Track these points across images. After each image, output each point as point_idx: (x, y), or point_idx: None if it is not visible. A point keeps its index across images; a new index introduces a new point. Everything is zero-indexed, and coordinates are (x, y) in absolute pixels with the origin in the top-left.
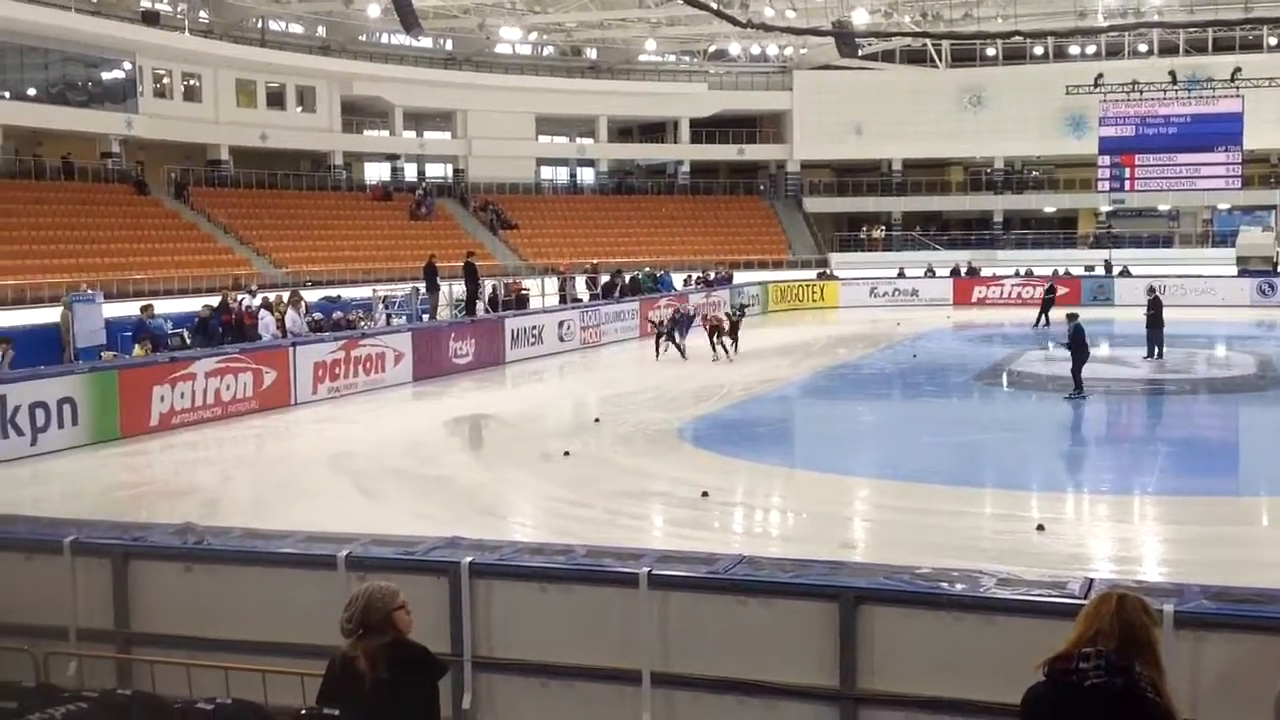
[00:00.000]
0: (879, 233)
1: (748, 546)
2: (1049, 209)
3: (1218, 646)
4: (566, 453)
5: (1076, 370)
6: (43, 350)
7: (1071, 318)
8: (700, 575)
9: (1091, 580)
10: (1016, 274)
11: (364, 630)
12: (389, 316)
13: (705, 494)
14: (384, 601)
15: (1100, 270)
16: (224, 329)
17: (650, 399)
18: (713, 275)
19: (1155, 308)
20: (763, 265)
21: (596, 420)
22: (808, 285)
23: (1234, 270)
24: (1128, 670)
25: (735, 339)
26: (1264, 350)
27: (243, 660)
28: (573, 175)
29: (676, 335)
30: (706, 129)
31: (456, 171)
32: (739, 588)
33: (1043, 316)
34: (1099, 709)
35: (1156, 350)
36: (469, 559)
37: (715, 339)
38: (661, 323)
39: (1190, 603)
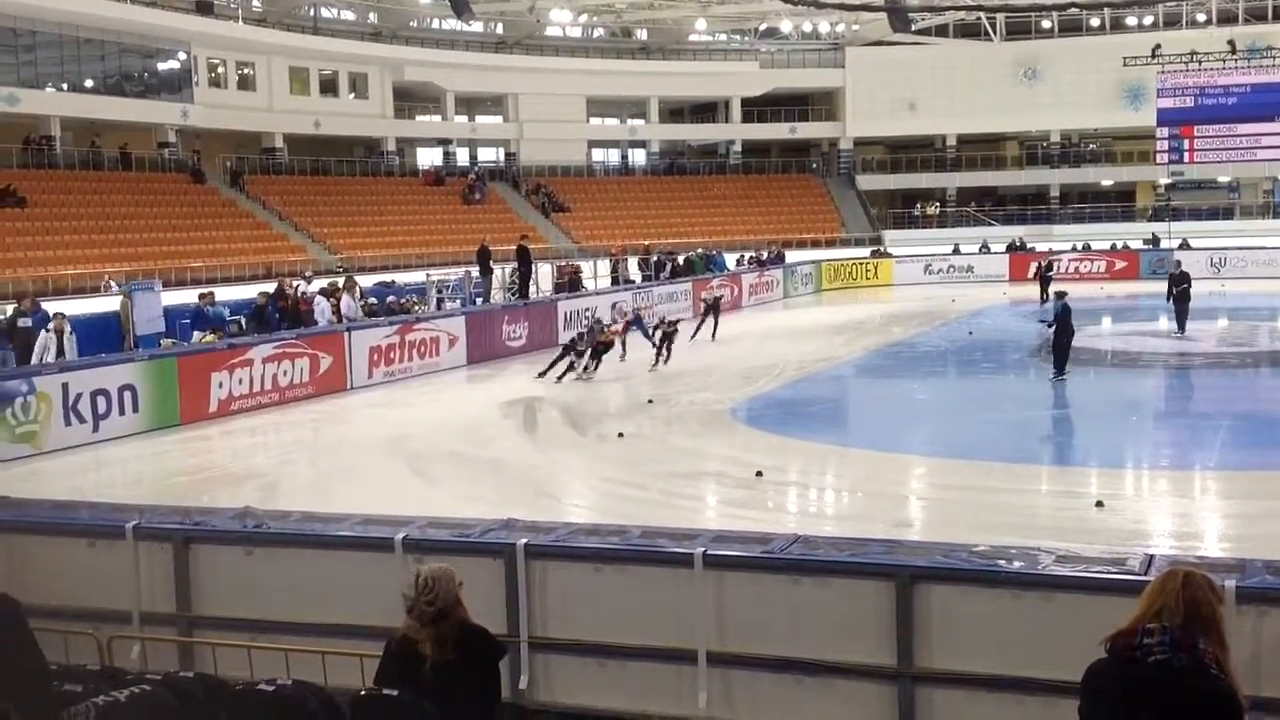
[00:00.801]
0: (933, 209)
1: (802, 526)
2: (1106, 182)
3: None
4: (620, 434)
5: (1060, 351)
6: (104, 339)
7: (1059, 295)
8: (755, 555)
9: (1152, 556)
10: (1074, 249)
11: (439, 612)
12: (442, 301)
13: (759, 473)
14: (452, 583)
15: (1160, 244)
16: (280, 315)
17: (702, 379)
18: (765, 255)
19: (1178, 282)
20: (815, 244)
21: (649, 401)
22: (861, 263)
23: None
24: (1192, 647)
25: (669, 350)
26: None
27: (302, 642)
28: (624, 157)
29: (587, 353)
30: (758, 108)
31: (508, 155)
32: (794, 567)
33: (1044, 294)
34: (1162, 685)
35: (1179, 325)
36: (524, 540)
37: (664, 345)
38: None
39: (1253, 578)
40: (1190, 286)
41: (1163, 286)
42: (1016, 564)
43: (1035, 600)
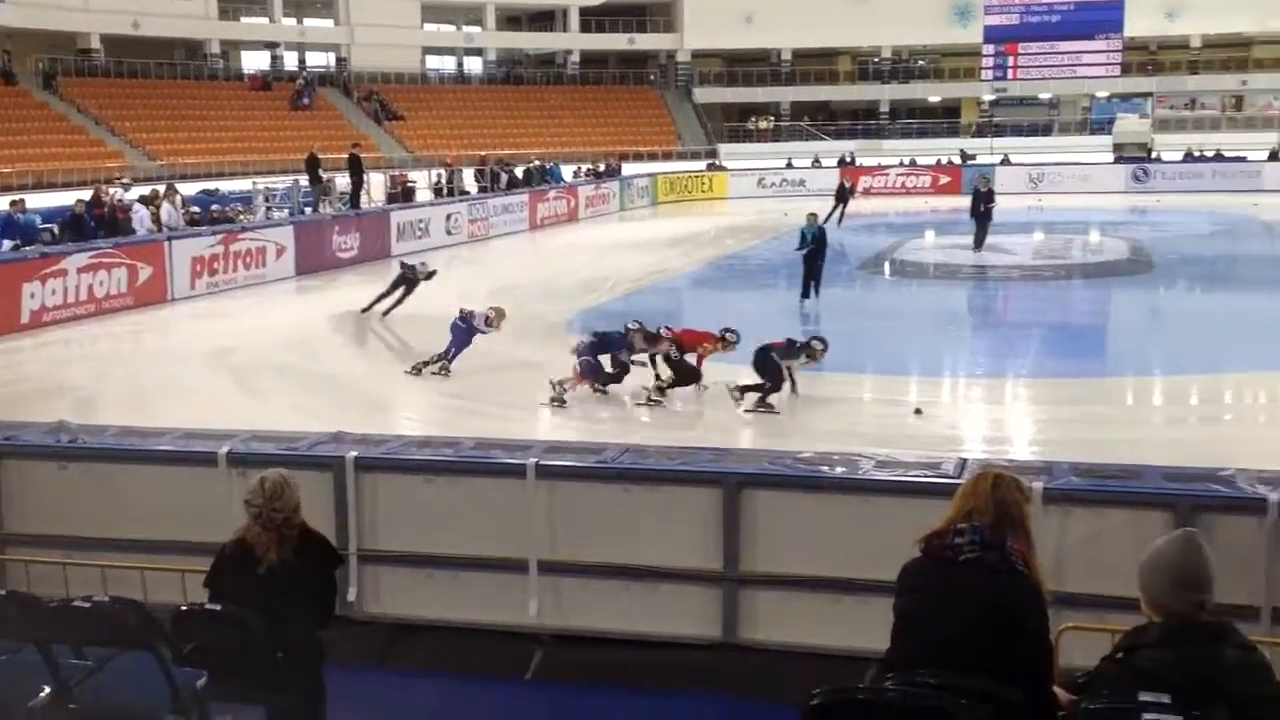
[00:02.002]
0: (767, 123)
1: (637, 436)
2: (934, 98)
3: (1084, 520)
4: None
5: (812, 276)
6: None
7: (812, 217)
8: (587, 465)
9: (965, 460)
10: (901, 164)
11: (285, 519)
12: (269, 210)
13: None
14: (296, 490)
15: (979, 159)
16: (97, 224)
17: (539, 292)
18: (602, 167)
19: (985, 200)
20: (652, 157)
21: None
22: (697, 177)
23: (1110, 157)
24: (1000, 545)
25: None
26: (1136, 235)
27: (121, 559)
28: (460, 65)
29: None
30: (596, 18)
31: (339, 60)
32: (625, 475)
33: (838, 212)
34: (972, 581)
35: (976, 243)
36: (354, 453)
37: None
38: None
39: (1059, 480)
40: (994, 205)
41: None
42: (838, 469)
43: (855, 504)
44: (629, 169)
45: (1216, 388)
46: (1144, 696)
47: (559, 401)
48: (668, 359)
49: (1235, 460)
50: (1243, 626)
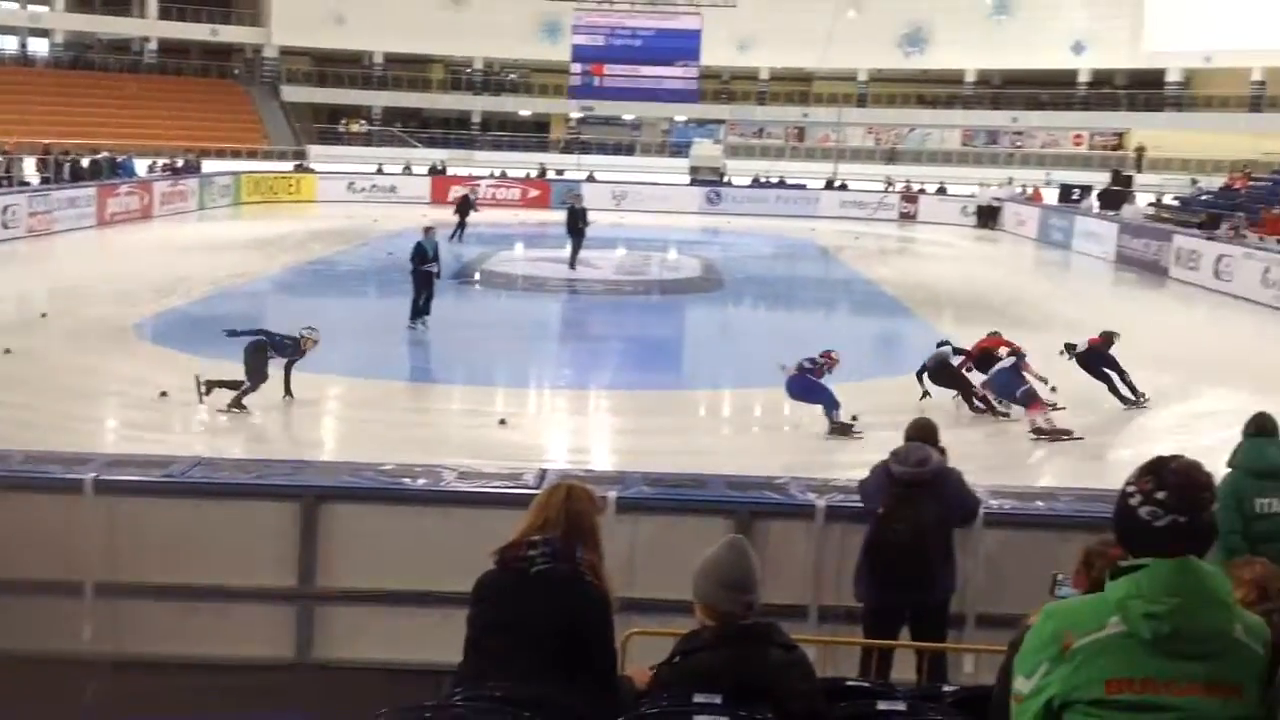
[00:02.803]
0: (359, 126)
1: (211, 448)
2: (525, 112)
3: (653, 528)
4: (7, 350)
5: (424, 295)
6: None
7: (430, 232)
8: (153, 480)
9: (545, 471)
10: (491, 175)
11: None
12: None
13: (164, 394)
14: None
15: (568, 174)
16: None
17: (106, 292)
18: (180, 163)
19: (580, 219)
20: (236, 155)
21: (43, 315)
22: (284, 177)
23: (687, 179)
24: (571, 556)
25: None
26: (709, 254)
27: None
28: (23, 46)
29: None
30: (178, 5)
31: None
32: (195, 491)
33: (461, 227)
34: (544, 592)
35: (573, 260)
36: None
37: None
38: None
39: (631, 489)
40: (586, 225)
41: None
42: (420, 481)
43: (436, 516)
44: (210, 166)
45: (779, 400)
46: (698, 698)
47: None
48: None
49: (793, 469)
50: (793, 624)
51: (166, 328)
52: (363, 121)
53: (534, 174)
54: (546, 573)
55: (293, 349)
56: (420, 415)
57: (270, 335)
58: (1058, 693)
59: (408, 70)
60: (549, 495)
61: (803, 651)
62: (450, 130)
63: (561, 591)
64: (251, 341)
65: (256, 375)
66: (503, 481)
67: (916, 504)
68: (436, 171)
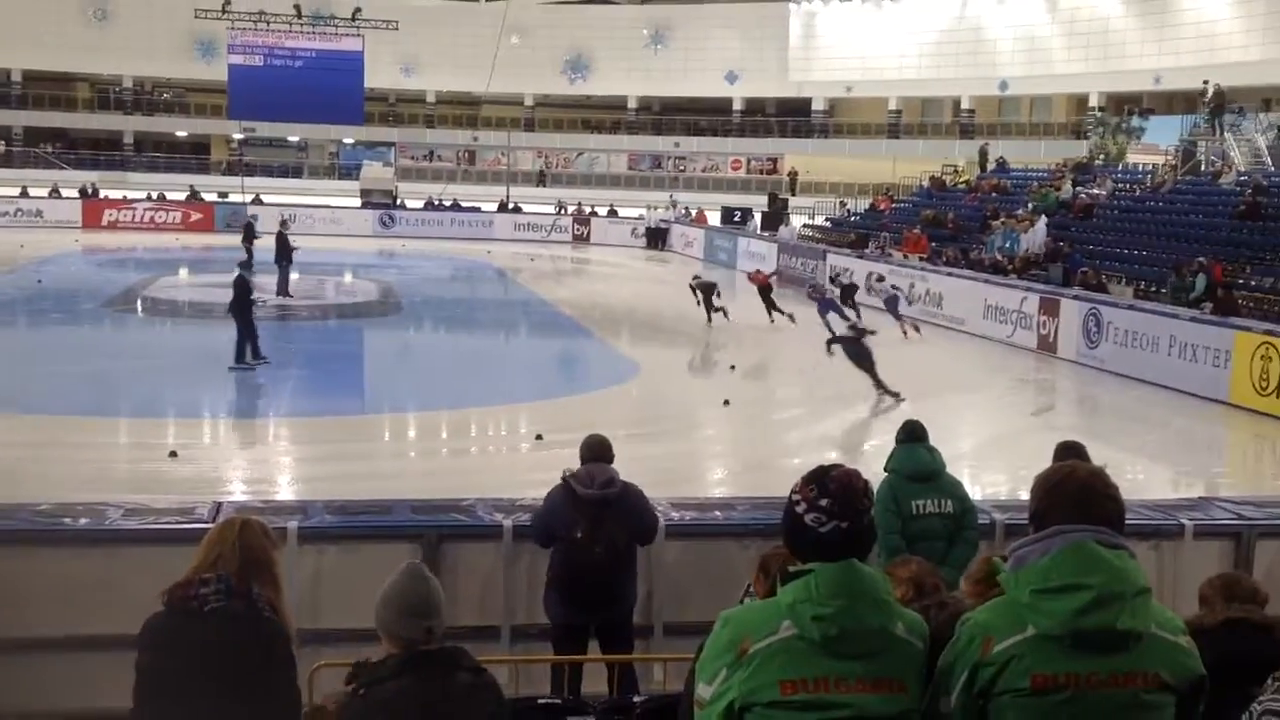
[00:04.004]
0: None
1: None
2: (181, 133)
3: (338, 557)
4: None
5: (247, 337)
6: None
7: (243, 265)
8: None
9: (220, 504)
10: (149, 197)
11: None
12: None
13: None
14: None
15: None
16: None
17: None
18: None
19: (282, 242)
20: None
21: None
22: None
23: (359, 202)
24: (246, 593)
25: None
26: (385, 278)
27: None
28: None
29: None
30: None
31: None
32: None
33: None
34: (219, 631)
35: (282, 287)
36: None
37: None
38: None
39: (313, 519)
40: (297, 249)
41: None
42: (82, 520)
43: (102, 556)
44: None
45: (461, 421)
46: None
47: None
48: None
49: (480, 489)
50: (486, 646)
51: None
52: (2, 143)
53: (186, 196)
54: (221, 610)
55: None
56: (81, 451)
57: None
58: (737, 696)
59: (50, 88)
60: (221, 531)
61: (491, 675)
62: (100, 151)
63: (237, 628)
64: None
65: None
66: (174, 516)
67: (608, 525)
68: (87, 195)
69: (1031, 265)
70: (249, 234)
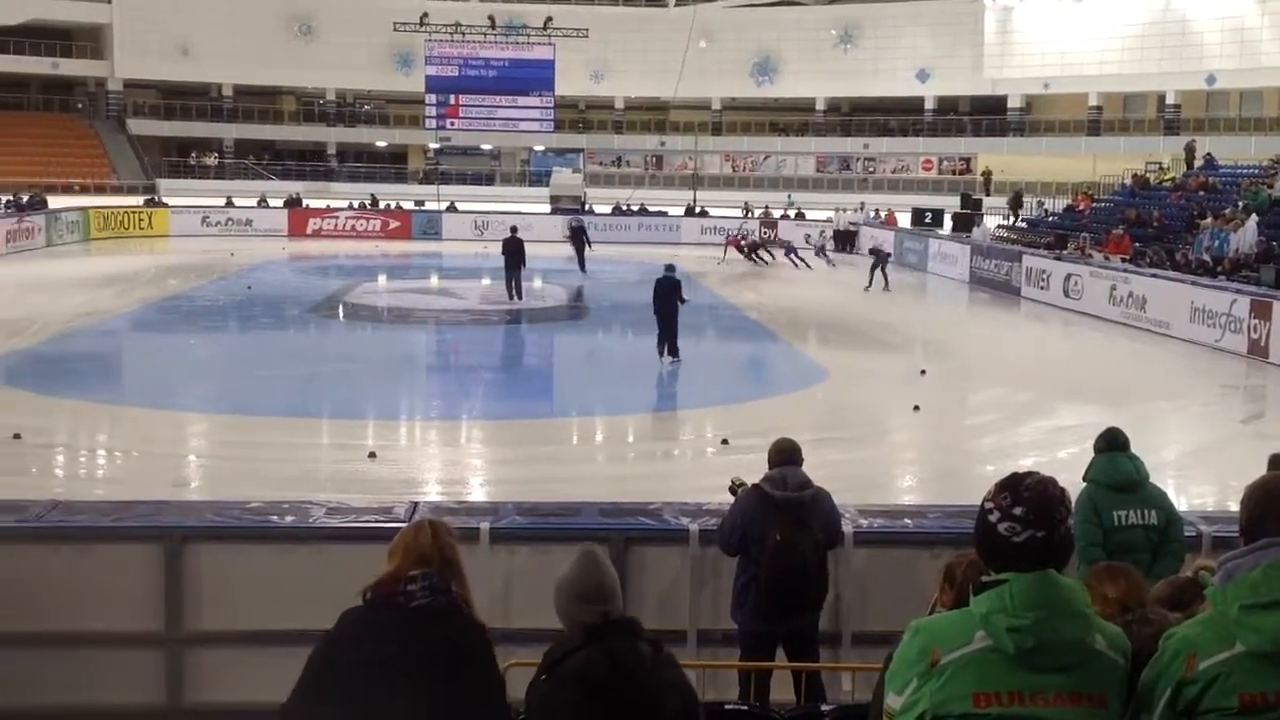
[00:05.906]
0: (211, 159)
1: (69, 491)
2: (381, 143)
3: (528, 558)
4: None
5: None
6: None
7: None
8: (6, 525)
9: (416, 504)
10: (351, 206)
11: None
12: None
13: (18, 436)
14: None
15: (428, 205)
16: None
17: None
18: (25, 199)
19: (510, 247)
20: (84, 190)
21: None
22: (134, 212)
23: (549, 208)
24: (448, 590)
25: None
26: (574, 282)
27: None
28: None
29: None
30: (14, 39)
31: None
32: (52, 535)
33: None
34: (421, 626)
35: (515, 291)
36: None
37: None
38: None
39: (504, 519)
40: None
41: (434, 246)
42: (288, 518)
43: (307, 553)
44: (56, 202)
45: (648, 425)
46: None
47: None
48: None
49: (666, 493)
50: (672, 650)
51: (19, 368)
52: (215, 154)
53: (368, 204)
54: (427, 607)
55: None
56: (287, 450)
57: None
58: (928, 708)
59: (258, 102)
60: (416, 532)
61: (669, 650)
62: (305, 162)
63: (442, 626)
64: None
65: None
66: (373, 516)
67: (805, 528)
68: (293, 203)
69: (1241, 266)
70: (579, 237)
